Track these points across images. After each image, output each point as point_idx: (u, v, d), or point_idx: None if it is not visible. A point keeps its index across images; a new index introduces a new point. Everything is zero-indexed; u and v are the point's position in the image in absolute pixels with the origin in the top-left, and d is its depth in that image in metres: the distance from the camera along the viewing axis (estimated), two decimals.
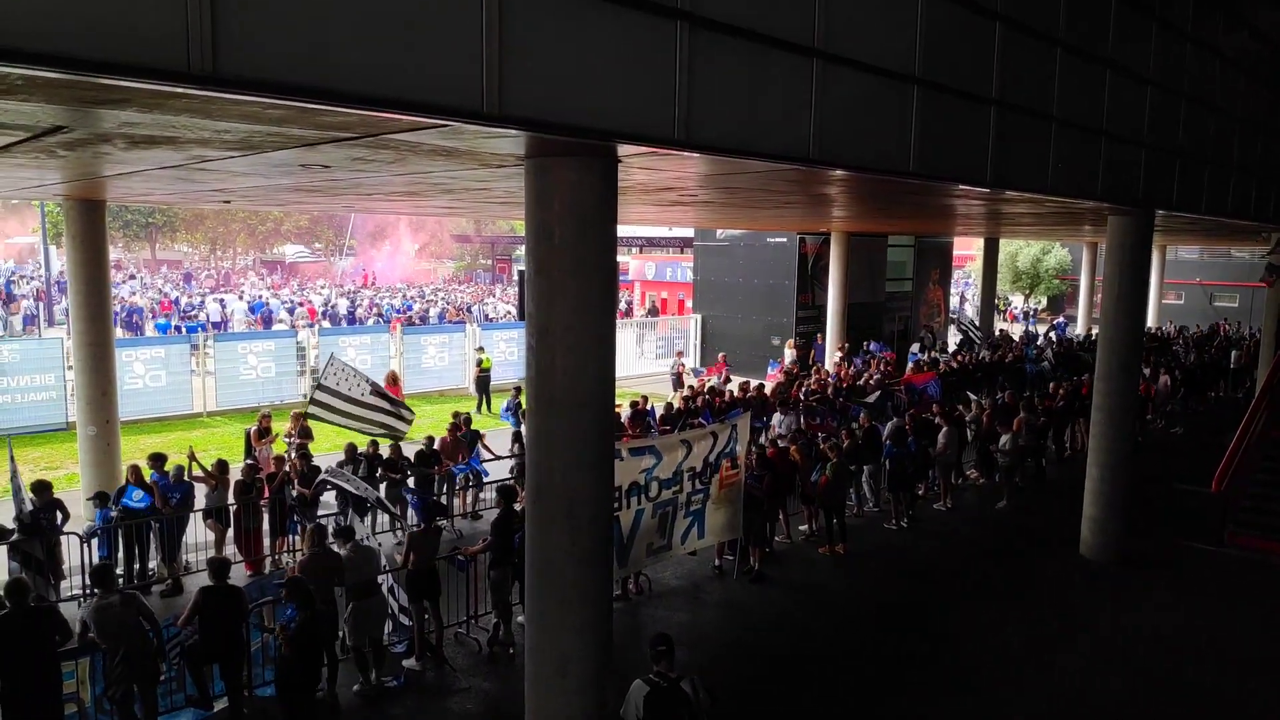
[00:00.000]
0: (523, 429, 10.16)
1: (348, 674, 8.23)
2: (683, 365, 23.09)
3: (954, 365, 21.36)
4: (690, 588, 10.76)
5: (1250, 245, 33.38)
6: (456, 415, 13.79)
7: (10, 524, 9.59)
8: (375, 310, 38.94)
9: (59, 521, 9.72)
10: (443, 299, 45.90)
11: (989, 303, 31.21)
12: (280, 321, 34.89)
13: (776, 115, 6.25)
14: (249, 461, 11.80)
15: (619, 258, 7.25)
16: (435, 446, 12.75)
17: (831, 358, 23.29)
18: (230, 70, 3.66)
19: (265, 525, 11.01)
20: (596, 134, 5.15)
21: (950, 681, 8.61)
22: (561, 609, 6.29)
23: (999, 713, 8.15)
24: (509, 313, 39.29)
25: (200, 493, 10.91)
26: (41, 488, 9.70)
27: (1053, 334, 31.97)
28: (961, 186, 9.38)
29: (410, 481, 12.24)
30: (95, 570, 7.60)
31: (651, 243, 50.87)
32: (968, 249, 49.72)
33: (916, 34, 7.24)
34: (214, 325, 33.38)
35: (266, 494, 10.98)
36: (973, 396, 17.50)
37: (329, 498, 11.42)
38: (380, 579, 8.47)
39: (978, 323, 31.04)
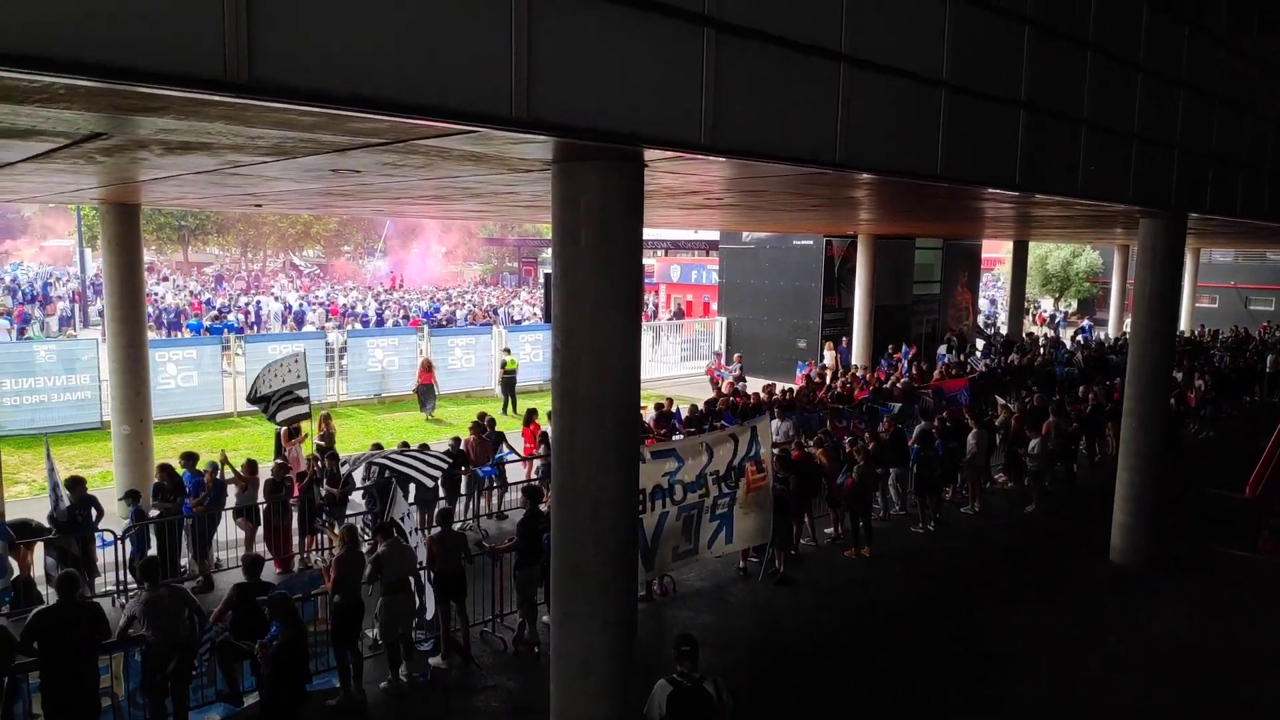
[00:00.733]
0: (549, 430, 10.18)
1: (376, 670, 8.34)
2: (716, 366, 23.18)
3: (983, 369, 21.21)
4: (715, 589, 10.77)
5: None
6: (481, 417, 13.88)
7: (46, 522, 9.81)
8: (403, 313, 39.29)
9: (94, 518, 9.91)
10: (470, 301, 46.18)
11: (1018, 306, 30.89)
12: (310, 324, 35.36)
13: (803, 119, 6.26)
14: (279, 461, 11.96)
15: (644, 260, 7.27)
16: (462, 447, 12.84)
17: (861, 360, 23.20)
18: (265, 78, 3.75)
19: (294, 524, 11.17)
20: (623, 139, 5.19)
21: (977, 685, 8.56)
22: (586, 608, 6.33)
23: (1025, 716, 8.09)
24: (534, 314, 39.51)
25: (231, 491, 11.08)
26: (75, 483, 9.89)
27: (1080, 337, 31.61)
28: (990, 190, 9.33)
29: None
30: (143, 565, 7.73)
31: (677, 245, 50.88)
32: (996, 251, 49.28)
33: (944, 38, 7.21)
34: (250, 325, 33.95)
35: (296, 493, 11.13)
36: (1001, 400, 17.35)
37: (356, 497, 11.57)
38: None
39: (996, 328, 30.75)
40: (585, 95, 4.91)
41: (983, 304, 40.38)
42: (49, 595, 8.81)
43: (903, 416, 15.70)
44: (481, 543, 10.76)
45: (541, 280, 45.87)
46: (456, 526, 9.55)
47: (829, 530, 12.55)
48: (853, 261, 24.56)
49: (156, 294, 40.47)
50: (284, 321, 36.36)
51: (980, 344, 29.18)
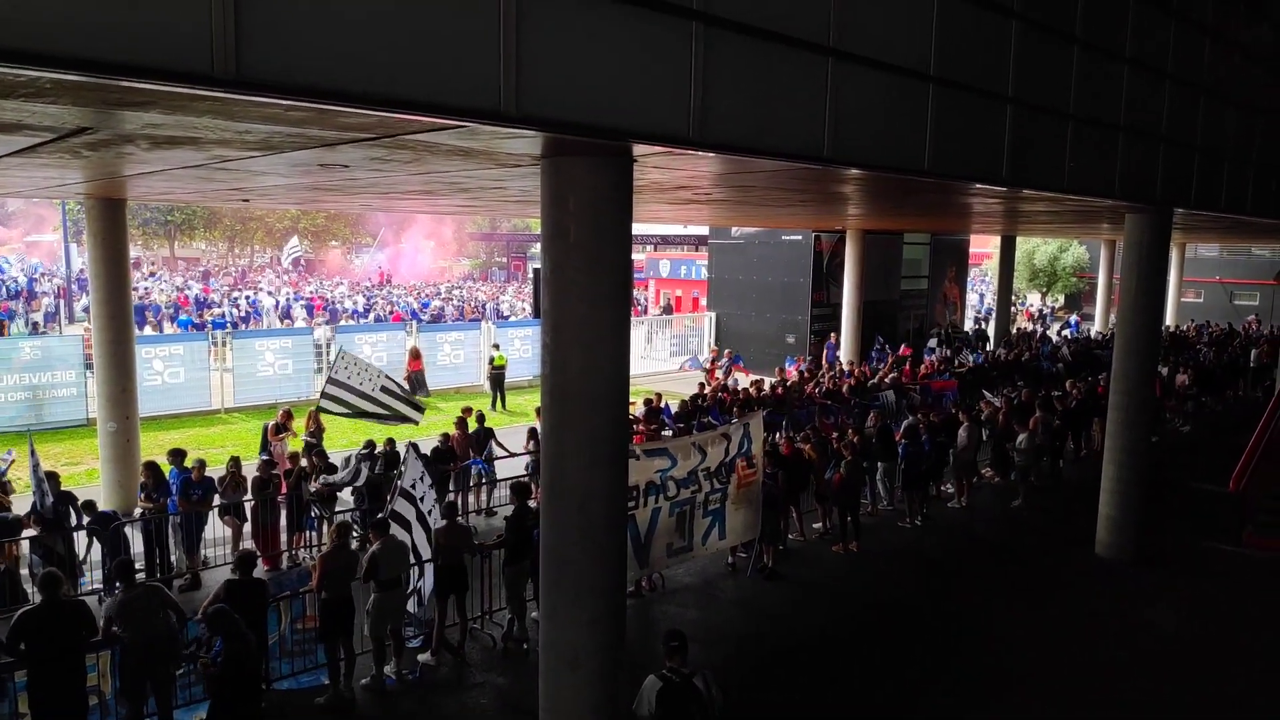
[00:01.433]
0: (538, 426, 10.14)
1: (364, 667, 8.33)
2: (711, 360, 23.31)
3: (970, 365, 21.31)
4: (703, 584, 10.79)
5: (1271, 243, 33.07)
6: (466, 411, 13.81)
7: (30, 519, 9.72)
8: (391, 310, 39.11)
9: (71, 516, 9.81)
10: (458, 296, 46.04)
11: (1005, 301, 31.05)
12: (298, 319, 35.16)
13: (791, 114, 6.27)
14: (264, 457, 11.90)
15: (633, 255, 7.28)
16: (450, 443, 12.81)
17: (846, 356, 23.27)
18: (252, 73, 3.73)
19: (282, 521, 11.12)
20: (612, 134, 5.19)
21: (964, 679, 8.61)
22: (574, 603, 6.34)
23: (1013, 711, 8.15)
24: (524, 309, 39.42)
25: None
26: (50, 478, 9.80)
27: (1065, 333, 31.76)
28: (978, 185, 9.36)
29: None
30: (115, 565, 7.68)
31: (666, 240, 50.90)
32: (984, 246, 49.44)
33: (932, 32, 7.23)
34: (242, 320, 33.74)
35: (284, 490, 11.08)
36: (987, 395, 17.44)
37: (346, 495, 11.53)
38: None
39: (963, 328, 31.00)
40: (574, 90, 4.90)
41: (971, 298, 40.56)
42: (33, 594, 8.76)
43: (889, 411, 15.75)
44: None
45: (531, 275, 45.82)
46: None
47: (817, 525, 12.59)
48: (841, 256, 24.64)
49: (145, 288, 40.18)
50: (281, 318, 36.12)
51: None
